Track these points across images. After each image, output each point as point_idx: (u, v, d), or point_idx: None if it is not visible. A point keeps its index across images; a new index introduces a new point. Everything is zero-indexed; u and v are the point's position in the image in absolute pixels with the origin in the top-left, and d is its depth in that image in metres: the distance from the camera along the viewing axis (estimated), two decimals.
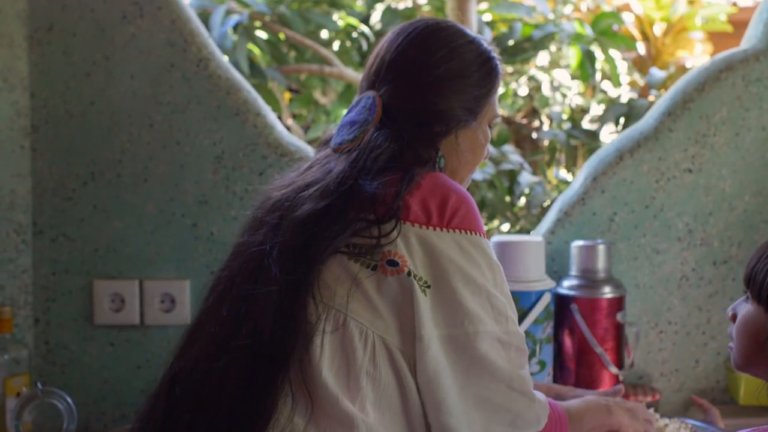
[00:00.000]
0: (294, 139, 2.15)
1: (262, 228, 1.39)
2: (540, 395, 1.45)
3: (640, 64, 4.99)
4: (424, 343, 1.31)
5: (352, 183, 1.35)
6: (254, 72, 3.54)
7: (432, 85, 1.46)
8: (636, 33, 5.11)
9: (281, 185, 1.46)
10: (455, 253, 1.34)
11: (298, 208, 1.36)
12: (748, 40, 2.26)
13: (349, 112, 1.50)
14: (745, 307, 1.42)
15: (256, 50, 3.79)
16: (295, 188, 1.41)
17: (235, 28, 3.43)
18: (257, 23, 3.66)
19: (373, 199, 1.33)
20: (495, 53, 1.53)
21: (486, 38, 1.57)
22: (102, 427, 2.14)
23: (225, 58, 2.17)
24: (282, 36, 3.86)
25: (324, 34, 4.03)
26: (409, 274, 1.31)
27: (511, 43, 3.82)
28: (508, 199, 3.75)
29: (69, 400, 1.90)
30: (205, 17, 3.33)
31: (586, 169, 2.22)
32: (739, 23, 2.82)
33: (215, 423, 1.29)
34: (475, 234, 1.37)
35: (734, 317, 1.45)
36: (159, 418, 1.35)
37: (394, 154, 1.39)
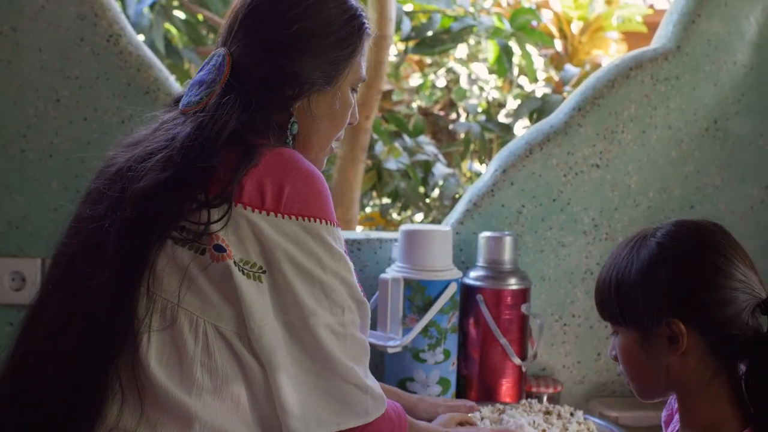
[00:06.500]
0: None
1: (103, 200, 1.29)
2: (380, 391, 1.39)
3: (556, 61, 5.05)
4: (255, 334, 1.26)
5: (195, 155, 1.25)
6: (170, 52, 3.49)
7: (284, 45, 1.35)
8: (554, 30, 5.17)
9: (127, 144, 1.36)
10: (288, 241, 1.27)
11: (141, 179, 1.25)
12: (658, 40, 2.30)
13: (200, 71, 1.40)
14: (616, 342, 1.37)
15: (173, 30, 3.74)
16: (138, 156, 1.29)
17: (152, 6, 3.38)
18: (175, 3, 3.61)
19: (209, 175, 1.24)
20: (362, 11, 1.43)
21: None
22: None
23: (140, 37, 2.13)
24: (200, 17, 3.82)
25: None
26: (235, 261, 1.25)
27: (430, 34, 3.83)
28: (422, 189, 3.77)
29: None
30: None
31: (496, 161, 2.24)
32: (654, 25, 2.87)
33: (46, 420, 1.23)
34: (315, 221, 1.29)
35: (616, 358, 1.40)
36: (4, 408, 1.28)
37: (242, 120, 1.30)
